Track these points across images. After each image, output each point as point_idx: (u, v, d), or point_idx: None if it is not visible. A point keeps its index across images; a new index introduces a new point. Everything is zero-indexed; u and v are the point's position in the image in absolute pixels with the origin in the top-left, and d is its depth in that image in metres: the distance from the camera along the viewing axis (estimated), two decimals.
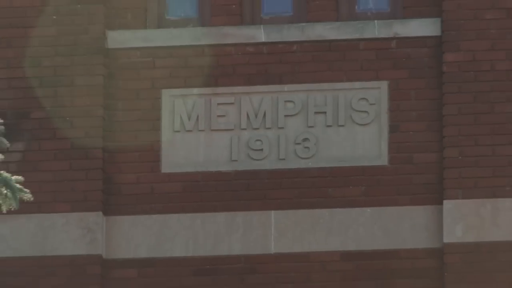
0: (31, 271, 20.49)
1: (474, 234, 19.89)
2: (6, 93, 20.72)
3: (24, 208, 15.39)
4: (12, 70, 20.85)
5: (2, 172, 14.05)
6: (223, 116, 20.58)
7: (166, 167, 20.68)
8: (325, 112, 20.52)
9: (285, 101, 20.59)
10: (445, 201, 19.90)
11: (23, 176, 14.29)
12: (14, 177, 14.21)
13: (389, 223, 20.28)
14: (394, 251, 20.08)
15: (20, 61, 21.00)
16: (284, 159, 20.46)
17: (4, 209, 14.07)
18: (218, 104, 20.59)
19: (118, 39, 21.10)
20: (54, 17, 20.81)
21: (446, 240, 19.84)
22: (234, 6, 21.03)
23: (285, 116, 20.55)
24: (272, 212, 20.23)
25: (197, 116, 20.65)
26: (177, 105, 20.88)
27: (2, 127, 14.15)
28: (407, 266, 19.99)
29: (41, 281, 20.40)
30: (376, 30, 20.69)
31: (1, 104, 20.39)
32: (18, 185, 14.22)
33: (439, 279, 19.90)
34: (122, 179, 20.70)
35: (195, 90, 20.75)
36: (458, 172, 20.06)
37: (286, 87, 20.58)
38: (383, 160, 20.36)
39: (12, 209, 14.11)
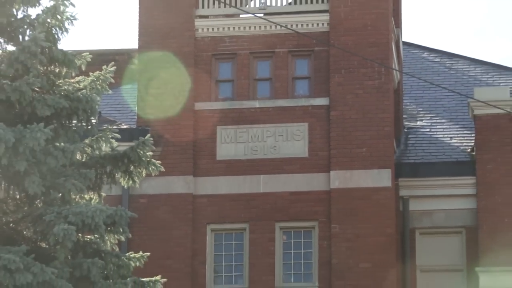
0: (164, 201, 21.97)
1: (343, 184, 21.63)
2: (161, 128, 21.94)
3: (160, 174, 18.03)
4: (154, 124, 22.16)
5: (153, 160, 17.10)
6: (241, 136, 22.18)
7: (219, 157, 22.22)
8: (283, 135, 22.07)
9: (267, 130, 22.10)
10: (331, 171, 21.72)
11: (160, 160, 17.66)
12: (157, 162, 17.33)
13: (310, 180, 21.89)
14: (311, 191, 21.81)
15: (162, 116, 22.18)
16: (266, 154, 22.05)
17: (153, 174, 17.31)
18: (239, 132, 22.16)
19: (200, 106, 22.30)
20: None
21: (331, 187, 21.69)
22: (245, 92, 22.36)
23: (267, 137, 22.09)
24: (261, 176, 21.98)
25: (231, 137, 22.18)
26: (223, 133, 22.20)
27: (152, 141, 17.05)
28: (316, 197, 21.74)
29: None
30: (303, 102, 22.13)
31: (152, 132, 21.22)
32: (158, 164, 17.27)
33: (328, 202, 21.54)
34: (200, 162, 22.10)
35: (229, 126, 22.17)
36: (337, 159, 21.71)
37: (267, 125, 22.12)
38: (306, 154, 21.96)
39: (157, 174, 17.50)
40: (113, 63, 17.48)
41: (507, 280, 21.48)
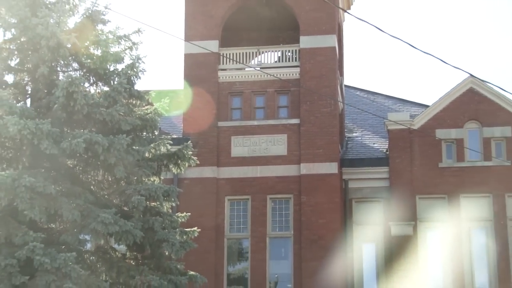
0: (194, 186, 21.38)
1: (308, 171, 21.03)
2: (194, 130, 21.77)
3: (197, 165, 17.61)
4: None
5: (192, 157, 16.75)
6: (246, 142, 21.79)
7: (233, 155, 21.73)
8: (271, 141, 21.69)
9: (262, 139, 21.70)
10: (301, 164, 21.17)
11: (197, 157, 17.36)
12: (195, 158, 17.05)
13: (288, 169, 21.36)
14: (289, 176, 21.27)
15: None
16: (261, 153, 21.54)
17: (192, 165, 16.97)
18: (245, 139, 21.79)
19: (221, 124, 21.73)
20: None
21: (301, 173, 21.16)
22: (248, 115, 21.91)
23: (261, 142, 21.65)
24: (258, 166, 21.55)
25: (240, 143, 21.81)
26: (235, 140, 21.75)
27: (191, 145, 17.04)
28: (292, 179, 21.22)
29: (196, 186, 21.33)
30: (284, 121, 21.69)
31: (192, 139, 20.68)
32: (194, 159, 17.00)
33: (299, 183, 21.03)
34: (221, 158, 21.60)
35: (239, 136, 21.75)
36: (304, 156, 21.21)
37: (262, 136, 21.72)
38: (285, 153, 21.50)
39: (194, 165, 17.14)
40: (167, 97, 17.22)
41: (407, 229, 21.45)
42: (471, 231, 21.30)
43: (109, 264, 15.58)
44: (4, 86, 15.63)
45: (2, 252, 13.83)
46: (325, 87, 21.77)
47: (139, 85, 16.60)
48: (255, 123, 22.26)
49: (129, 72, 16.04)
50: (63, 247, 14.63)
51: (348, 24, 62.09)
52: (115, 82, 15.98)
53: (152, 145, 16.46)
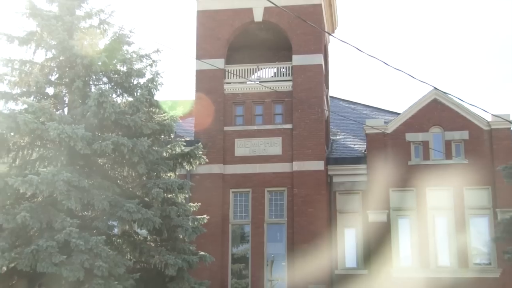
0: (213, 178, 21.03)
1: (300, 168, 20.76)
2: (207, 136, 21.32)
3: (206, 163, 16.98)
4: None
5: (202, 156, 16.37)
6: (248, 144, 21.47)
7: (236, 154, 21.41)
8: (269, 143, 21.38)
9: (260, 141, 21.39)
10: (293, 162, 20.91)
11: (206, 156, 17.01)
12: (204, 157, 16.67)
13: (282, 166, 21.05)
14: (283, 172, 20.94)
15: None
16: (260, 153, 21.21)
17: (202, 163, 16.57)
18: (246, 141, 21.51)
19: (227, 128, 21.44)
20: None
21: (294, 170, 20.85)
22: (249, 121, 21.59)
23: (260, 144, 21.37)
24: (257, 164, 21.24)
25: (242, 144, 21.53)
26: (238, 142, 21.45)
27: (202, 146, 16.62)
28: (286, 175, 20.91)
29: (205, 180, 20.90)
30: (279, 126, 21.51)
31: (202, 141, 20.54)
32: (204, 158, 16.67)
33: (292, 178, 20.80)
34: (226, 157, 21.25)
35: (242, 139, 21.49)
36: (296, 156, 20.86)
37: (261, 138, 21.47)
38: (280, 153, 21.21)
39: (204, 163, 16.74)
40: (182, 107, 17.20)
41: (382, 217, 21.29)
42: (435, 218, 21.30)
43: (133, 245, 15.55)
44: (45, 97, 15.79)
45: (44, 236, 13.90)
46: (313, 98, 21.62)
47: (158, 96, 16.87)
48: (255, 127, 22.07)
49: (149, 85, 15.89)
50: (94, 231, 14.63)
51: (333, 44, 62.28)
52: (138, 94, 15.86)
53: (168, 146, 16.29)
